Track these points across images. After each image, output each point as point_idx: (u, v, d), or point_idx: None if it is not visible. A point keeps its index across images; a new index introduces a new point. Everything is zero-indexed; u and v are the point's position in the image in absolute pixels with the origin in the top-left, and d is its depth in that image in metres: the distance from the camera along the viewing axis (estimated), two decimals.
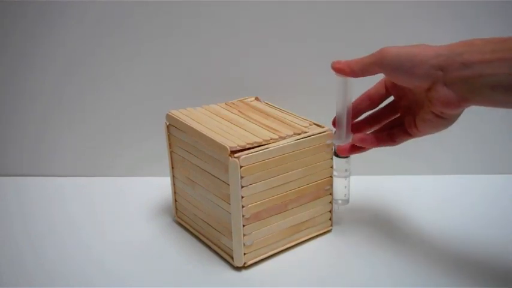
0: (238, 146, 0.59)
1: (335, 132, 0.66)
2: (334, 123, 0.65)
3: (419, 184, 0.83)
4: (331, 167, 0.67)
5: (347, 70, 0.60)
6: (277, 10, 0.78)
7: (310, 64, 0.81)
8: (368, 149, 0.65)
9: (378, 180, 0.83)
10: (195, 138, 0.64)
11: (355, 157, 0.67)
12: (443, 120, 0.57)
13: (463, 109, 0.56)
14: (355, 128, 0.66)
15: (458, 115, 0.58)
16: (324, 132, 0.65)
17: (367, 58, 0.59)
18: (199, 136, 0.63)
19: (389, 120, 0.65)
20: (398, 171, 0.85)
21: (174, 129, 0.68)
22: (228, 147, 0.59)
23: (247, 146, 0.60)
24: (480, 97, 0.53)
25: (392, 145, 0.63)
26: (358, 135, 0.64)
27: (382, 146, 0.64)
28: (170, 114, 0.68)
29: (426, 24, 0.78)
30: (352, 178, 0.70)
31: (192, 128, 0.64)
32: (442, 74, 0.54)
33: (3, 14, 0.79)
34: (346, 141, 0.65)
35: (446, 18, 0.78)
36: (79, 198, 0.80)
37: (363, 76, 0.60)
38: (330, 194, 0.69)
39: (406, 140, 0.63)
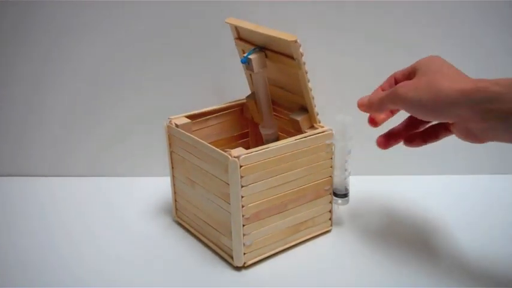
0: None
1: None
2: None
3: (420, 184, 0.83)
4: (331, 167, 0.67)
5: (366, 105, 0.61)
6: (277, 11, 0.78)
7: (310, 64, 0.81)
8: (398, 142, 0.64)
9: (378, 180, 0.83)
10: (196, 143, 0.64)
11: (355, 157, 0.67)
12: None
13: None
14: (398, 133, 0.64)
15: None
16: (324, 132, 0.66)
17: (384, 94, 0.59)
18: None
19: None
20: (399, 171, 0.85)
21: (174, 130, 0.68)
22: None
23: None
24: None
25: (435, 141, 0.62)
26: (406, 138, 0.63)
27: (428, 143, 0.62)
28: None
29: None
30: (352, 178, 0.70)
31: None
32: (467, 116, 0.52)
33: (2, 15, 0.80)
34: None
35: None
36: (79, 199, 0.80)
37: (382, 112, 0.62)
38: (330, 194, 0.69)
39: (447, 135, 0.61)
